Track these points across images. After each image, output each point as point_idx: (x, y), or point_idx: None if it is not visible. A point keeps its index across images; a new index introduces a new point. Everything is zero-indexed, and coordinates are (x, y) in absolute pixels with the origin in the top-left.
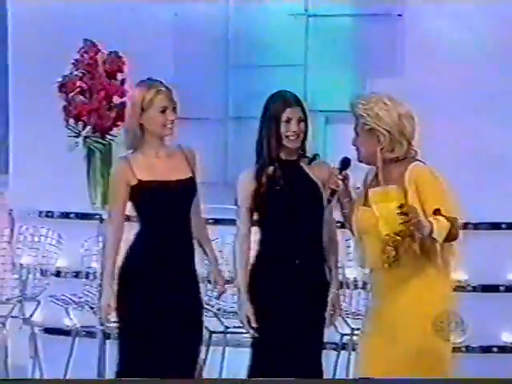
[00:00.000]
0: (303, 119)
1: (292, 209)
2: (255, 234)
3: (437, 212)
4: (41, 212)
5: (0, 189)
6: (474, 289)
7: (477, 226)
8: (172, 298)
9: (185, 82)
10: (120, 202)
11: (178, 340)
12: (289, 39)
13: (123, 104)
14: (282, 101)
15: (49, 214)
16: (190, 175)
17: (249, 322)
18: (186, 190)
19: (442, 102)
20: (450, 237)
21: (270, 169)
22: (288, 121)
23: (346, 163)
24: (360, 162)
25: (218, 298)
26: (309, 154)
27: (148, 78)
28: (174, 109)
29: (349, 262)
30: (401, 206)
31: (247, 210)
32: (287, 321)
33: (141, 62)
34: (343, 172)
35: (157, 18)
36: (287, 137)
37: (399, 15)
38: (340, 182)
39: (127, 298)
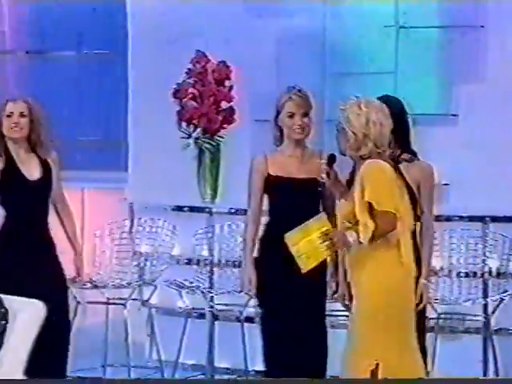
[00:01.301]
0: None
1: None
2: None
3: (370, 205)
4: (157, 206)
5: (121, 185)
6: None
7: None
8: (300, 287)
9: (286, 87)
10: (256, 193)
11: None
12: (380, 49)
13: (230, 108)
14: None
15: (164, 208)
16: (316, 176)
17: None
18: (309, 188)
19: None
20: (380, 232)
21: None
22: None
23: (330, 159)
24: (341, 154)
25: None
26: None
27: (292, 86)
28: (306, 115)
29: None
30: (325, 234)
31: None
32: None
33: (247, 70)
34: (327, 167)
35: (261, 30)
36: None
37: (482, 26)
38: (324, 176)
39: (261, 285)
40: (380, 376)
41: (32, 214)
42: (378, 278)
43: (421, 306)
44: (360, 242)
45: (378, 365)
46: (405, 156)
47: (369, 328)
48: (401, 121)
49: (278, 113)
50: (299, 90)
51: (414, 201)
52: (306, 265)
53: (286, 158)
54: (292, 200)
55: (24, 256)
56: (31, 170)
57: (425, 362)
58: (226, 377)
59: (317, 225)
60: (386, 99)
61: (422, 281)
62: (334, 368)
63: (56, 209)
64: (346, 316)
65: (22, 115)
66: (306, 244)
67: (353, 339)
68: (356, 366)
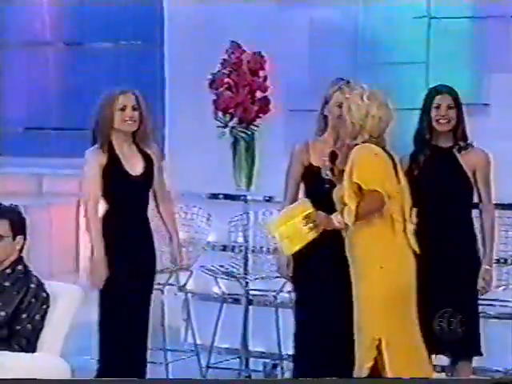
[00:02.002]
0: (453, 106)
1: (441, 190)
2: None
3: (357, 185)
4: (193, 193)
5: None
6: None
7: None
8: (334, 274)
9: (319, 78)
10: (295, 181)
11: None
12: (412, 39)
13: (265, 98)
14: (434, 89)
15: (200, 195)
16: None
17: None
18: None
19: None
20: (367, 210)
21: (424, 153)
22: (438, 106)
23: (332, 156)
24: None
25: None
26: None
27: (341, 78)
28: None
29: None
30: (308, 217)
31: None
32: (438, 292)
33: (280, 60)
34: (330, 164)
35: (295, 21)
36: (437, 120)
37: None
38: (329, 172)
39: (296, 271)
40: (384, 351)
41: (133, 208)
42: (373, 253)
43: (483, 291)
44: (346, 224)
45: (380, 340)
46: (461, 143)
47: (368, 304)
48: (458, 109)
49: (326, 102)
50: (348, 82)
51: (468, 187)
52: (289, 248)
53: (328, 147)
54: (328, 191)
55: (125, 249)
56: (134, 165)
57: (478, 346)
58: (260, 360)
59: (299, 209)
60: (452, 88)
61: (485, 267)
62: None
63: (155, 200)
64: None
65: (134, 108)
66: (288, 228)
67: (356, 318)
68: (362, 345)
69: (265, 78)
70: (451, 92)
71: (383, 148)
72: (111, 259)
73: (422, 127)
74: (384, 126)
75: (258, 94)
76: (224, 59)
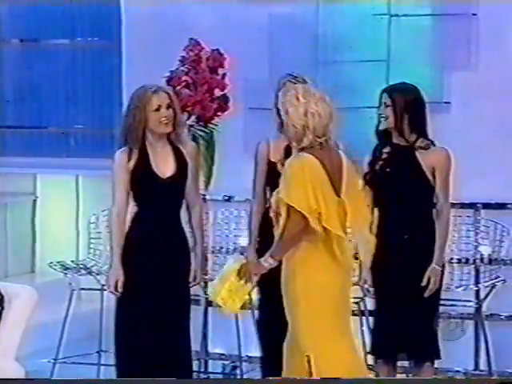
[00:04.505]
0: (389, 105)
1: (401, 189)
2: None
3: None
4: None
5: None
6: None
7: None
8: None
9: (279, 76)
10: (260, 179)
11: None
12: (373, 37)
13: (224, 96)
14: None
15: None
16: None
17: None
18: None
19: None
20: (290, 231)
21: (384, 150)
22: (379, 105)
23: (286, 152)
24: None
25: None
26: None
27: (289, 73)
28: None
29: None
30: (239, 273)
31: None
32: (395, 292)
33: (240, 58)
34: (284, 159)
35: (254, 18)
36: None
37: (474, 14)
38: (281, 167)
39: None
40: (313, 368)
41: (162, 211)
42: (294, 266)
43: (427, 290)
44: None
45: (309, 358)
46: (420, 143)
47: (294, 319)
48: (416, 108)
49: (278, 99)
50: (295, 77)
51: (427, 186)
52: (233, 308)
53: (288, 144)
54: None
55: (150, 253)
56: (165, 167)
57: (437, 348)
58: (219, 363)
59: (231, 268)
60: (403, 86)
61: (434, 266)
62: None
63: (187, 205)
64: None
65: (168, 107)
66: (227, 290)
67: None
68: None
69: (224, 76)
70: (389, 90)
71: (329, 150)
72: (135, 263)
73: (377, 125)
74: (326, 123)
75: (217, 92)
76: (182, 56)
